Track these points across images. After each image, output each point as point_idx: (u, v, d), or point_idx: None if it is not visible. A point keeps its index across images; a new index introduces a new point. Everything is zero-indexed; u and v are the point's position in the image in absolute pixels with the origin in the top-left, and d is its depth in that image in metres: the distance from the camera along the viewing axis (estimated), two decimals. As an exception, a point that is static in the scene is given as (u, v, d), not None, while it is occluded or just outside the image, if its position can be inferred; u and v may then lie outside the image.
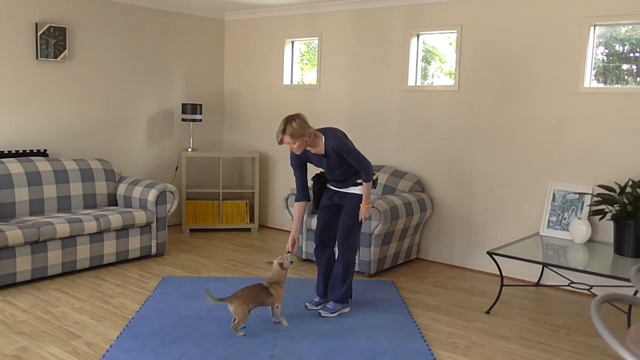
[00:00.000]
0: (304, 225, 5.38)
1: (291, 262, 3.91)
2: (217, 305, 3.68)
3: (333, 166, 4.00)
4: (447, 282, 5.04)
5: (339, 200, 4.13)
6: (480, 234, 5.34)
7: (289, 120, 3.82)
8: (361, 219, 4.05)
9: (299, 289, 4.56)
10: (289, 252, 4.00)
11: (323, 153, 3.95)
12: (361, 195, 4.02)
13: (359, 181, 4.03)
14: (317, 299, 4.26)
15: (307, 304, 4.24)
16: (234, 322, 3.67)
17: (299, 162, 4.08)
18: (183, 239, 6.25)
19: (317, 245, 4.26)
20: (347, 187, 4.08)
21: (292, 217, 5.49)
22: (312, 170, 4.24)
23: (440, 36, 5.72)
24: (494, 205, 5.25)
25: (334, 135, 3.94)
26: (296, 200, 4.15)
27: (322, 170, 4.21)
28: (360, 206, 4.03)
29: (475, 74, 5.29)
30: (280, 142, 3.88)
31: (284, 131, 3.81)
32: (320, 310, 4.13)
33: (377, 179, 4.14)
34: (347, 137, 4.02)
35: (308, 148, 3.94)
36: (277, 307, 3.80)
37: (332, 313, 4.10)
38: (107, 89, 6.12)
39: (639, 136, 4.51)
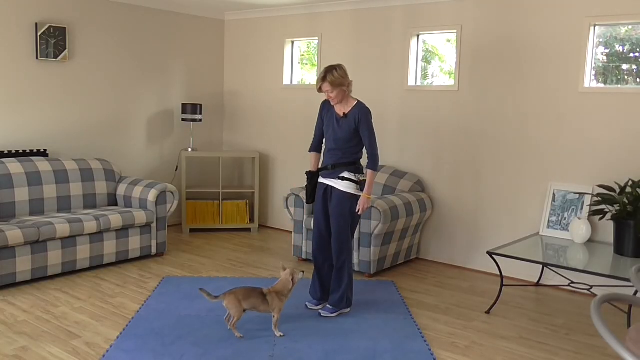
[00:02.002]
0: (303, 225, 5.39)
1: (300, 277, 3.80)
2: (216, 304, 3.68)
3: (341, 135, 3.99)
4: (447, 282, 5.04)
5: (329, 200, 4.09)
6: (481, 234, 5.34)
7: (330, 69, 3.93)
8: (359, 209, 3.97)
9: (299, 289, 4.54)
10: (303, 271, 3.86)
11: (344, 114, 3.99)
12: (345, 192, 3.98)
13: (346, 175, 3.99)
14: (315, 300, 4.25)
15: (307, 303, 4.24)
16: (229, 320, 3.65)
17: (321, 115, 4.17)
18: (183, 239, 6.25)
19: (313, 251, 4.24)
20: (335, 178, 4.02)
21: (292, 217, 5.50)
22: (307, 165, 4.27)
23: (440, 36, 5.72)
24: (494, 205, 5.25)
25: (364, 107, 4.01)
26: (310, 151, 4.24)
27: (312, 170, 4.21)
28: (345, 203, 3.98)
29: (475, 73, 5.30)
30: (320, 89, 3.97)
31: (324, 79, 3.91)
32: (320, 310, 4.13)
33: (363, 180, 4.08)
34: (372, 117, 4.04)
35: (336, 106, 4.02)
36: (274, 316, 3.70)
37: (332, 313, 4.10)
38: (107, 89, 6.12)
39: (639, 136, 4.51)
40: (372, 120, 4.02)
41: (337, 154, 4.03)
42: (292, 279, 3.75)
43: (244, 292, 3.65)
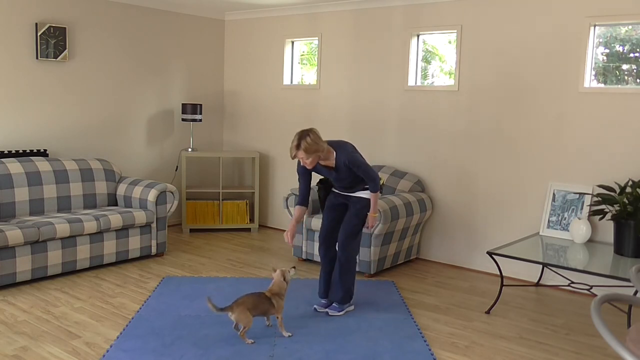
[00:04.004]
0: (303, 225, 5.38)
1: (292, 274, 3.81)
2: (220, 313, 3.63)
3: (341, 177, 4.03)
4: (447, 282, 5.04)
5: (346, 200, 4.15)
6: (480, 233, 5.34)
7: (303, 135, 3.78)
8: (367, 226, 4.11)
9: (299, 289, 4.56)
10: (294, 267, 3.89)
11: (333, 166, 3.96)
12: (368, 199, 4.05)
13: (366, 186, 4.06)
14: (324, 300, 4.25)
15: (315, 306, 4.22)
16: (238, 329, 3.60)
17: (305, 173, 4.07)
18: (183, 239, 6.25)
19: (321, 244, 4.25)
20: (354, 192, 4.11)
21: (292, 217, 5.48)
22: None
23: (440, 36, 5.72)
24: (494, 205, 5.25)
25: (345, 151, 3.95)
26: (297, 204, 4.15)
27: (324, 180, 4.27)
28: (368, 209, 4.07)
29: (475, 74, 5.29)
30: (294, 157, 3.84)
31: (298, 146, 3.78)
32: (327, 310, 4.15)
33: (383, 184, 4.17)
34: (356, 150, 4.05)
35: (319, 161, 3.94)
36: (278, 317, 3.70)
37: (339, 312, 4.12)
38: (107, 89, 6.12)
39: (639, 136, 4.51)
40: (359, 154, 4.01)
41: (350, 183, 4.06)
42: (285, 279, 3.74)
43: (251, 300, 3.59)
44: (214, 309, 3.51)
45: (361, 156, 4.03)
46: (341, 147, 3.97)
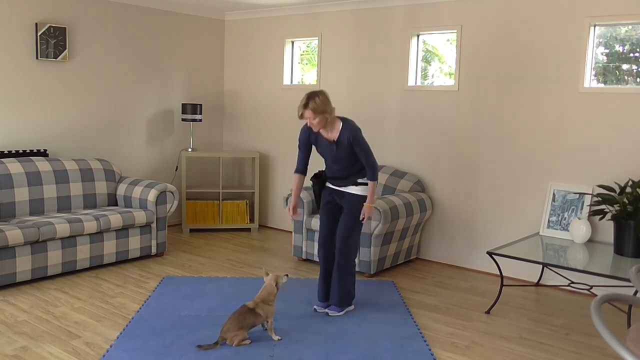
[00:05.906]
0: (303, 225, 5.38)
1: (284, 281, 3.72)
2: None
3: (340, 157, 3.99)
4: (447, 282, 5.04)
5: (339, 199, 4.13)
6: (481, 234, 5.34)
7: (312, 95, 3.85)
8: (363, 218, 4.03)
9: (299, 289, 4.56)
10: (287, 274, 3.78)
11: (335, 139, 3.96)
12: (361, 195, 4.03)
13: (359, 181, 4.03)
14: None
15: (315, 307, 4.21)
16: (235, 344, 3.55)
17: (307, 143, 4.10)
18: (183, 239, 6.25)
19: (320, 247, 4.23)
20: (346, 186, 4.07)
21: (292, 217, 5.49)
22: (312, 169, 4.26)
23: (440, 36, 5.72)
24: (494, 205, 5.25)
25: (350, 126, 3.97)
26: (295, 172, 4.17)
27: (321, 170, 4.21)
28: (360, 205, 4.02)
29: (475, 74, 5.29)
30: (301, 116, 3.89)
31: (306, 105, 3.83)
32: (327, 310, 4.14)
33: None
34: (361, 131, 4.03)
35: (321, 131, 3.96)
36: (268, 321, 3.63)
37: (339, 312, 4.12)
38: (107, 89, 6.12)
39: (639, 136, 4.51)
40: (363, 134, 4.01)
41: (344, 170, 4.05)
42: (276, 284, 3.66)
43: (235, 321, 3.52)
44: (213, 347, 3.46)
45: (365, 139, 4.01)
46: (348, 122, 4.00)
